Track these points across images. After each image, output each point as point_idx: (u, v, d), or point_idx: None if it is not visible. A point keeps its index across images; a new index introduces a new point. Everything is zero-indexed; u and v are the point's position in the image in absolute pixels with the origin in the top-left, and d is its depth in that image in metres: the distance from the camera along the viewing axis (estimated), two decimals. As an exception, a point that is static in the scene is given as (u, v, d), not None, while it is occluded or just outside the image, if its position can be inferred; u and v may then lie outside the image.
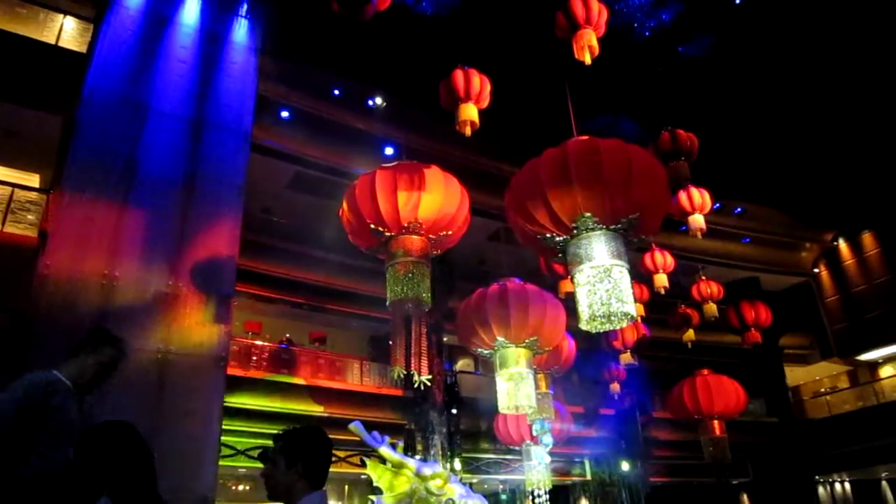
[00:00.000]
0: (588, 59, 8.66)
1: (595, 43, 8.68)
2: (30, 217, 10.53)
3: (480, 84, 9.09)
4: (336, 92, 15.18)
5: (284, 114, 14.77)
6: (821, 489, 22.63)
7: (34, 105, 11.11)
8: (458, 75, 9.03)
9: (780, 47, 15.86)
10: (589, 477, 19.57)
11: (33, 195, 10.80)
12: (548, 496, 15.27)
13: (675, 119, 11.93)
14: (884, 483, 23.67)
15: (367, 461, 5.13)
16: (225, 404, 9.70)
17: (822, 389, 25.14)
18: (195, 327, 9.51)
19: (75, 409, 3.64)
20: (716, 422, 14.32)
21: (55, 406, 3.50)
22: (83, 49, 11.46)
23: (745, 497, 22.03)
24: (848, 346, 23.61)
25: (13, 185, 10.92)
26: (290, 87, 14.70)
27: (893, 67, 15.84)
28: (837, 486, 23.54)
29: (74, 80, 10.26)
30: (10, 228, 10.30)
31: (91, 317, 8.74)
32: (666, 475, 20.70)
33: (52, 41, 11.84)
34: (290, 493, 2.56)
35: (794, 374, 24.42)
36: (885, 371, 24.10)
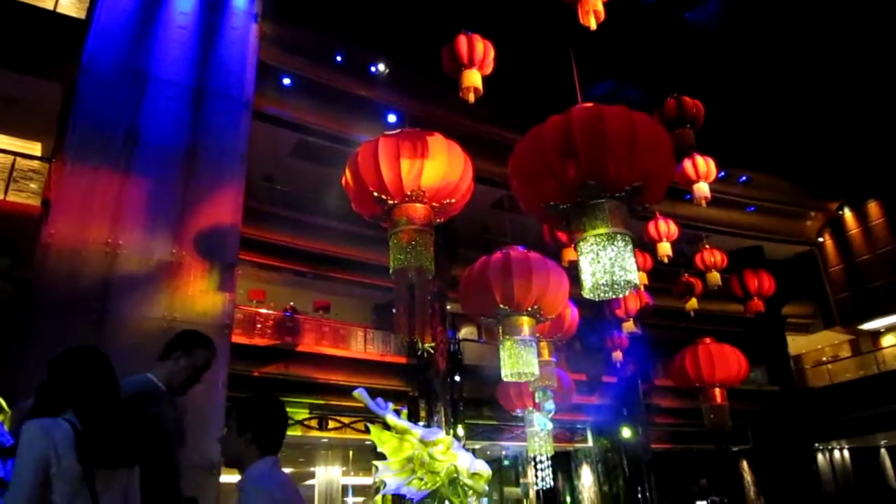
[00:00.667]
0: (593, 25, 8.50)
1: (601, 7, 8.50)
2: (32, 186, 10.52)
3: (484, 50, 8.96)
4: (338, 58, 15.02)
5: (286, 81, 14.63)
6: (820, 456, 22.87)
7: (33, 72, 11.02)
8: (462, 41, 8.90)
9: (787, 13, 15.59)
10: (590, 444, 19.80)
11: (35, 164, 10.78)
12: (549, 462, 15.48)
13: (680, 86, 11.78)
14: (882, 451, 23.90)
15: (371, 427, 5.18)
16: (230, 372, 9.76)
17: (824, 358, 25.26)
18: (199, 295, 9.55)
19: (171, 414, 3.65)
20: (717, 390, 14.40)
21: (155, 413, 3.50)
22: (82, 15, 11.32)
23: (744, 464, 22.28)
24: (850, 315, 23.64)
25: (15, 154, 10.89)
26: (291, 54, 14.54)
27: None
28: (836, 453, 23.79)
29: (73, 46, 10.15)
30: (12, 197, 10.30)
31: (95, 285, 8.79)
32: (667, 442, 20.92)
33: (49, 7, 11.68)
34: (242, 459, 2.62)
35: (796, 343, 24.51)
36: (886, 340, 24.16)
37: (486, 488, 4.86)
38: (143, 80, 10.09)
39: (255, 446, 2.61)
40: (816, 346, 25.76)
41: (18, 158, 10.74)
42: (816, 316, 24.76)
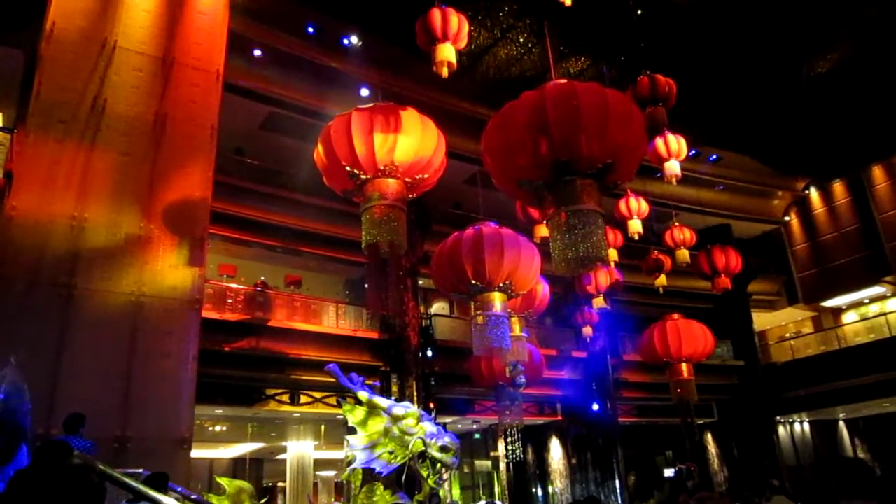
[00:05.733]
0: (568, 1, 8.50)
1: (575, -16, 8.50)
2: (-6, 157, 10.23)
3: (458, 24, 8.89)
4: (310, 30, 14.77)
5: (257, 52, 14.37)
6: (781, 429, 23.52)
7: (-7, 39, 10.67)
8: (436, 14, 8.81)
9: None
10: (560, 417, 20.11)
11: (-3, 134, 10.47)
12: (520, 436, 15.68)
13: (654, 64, 11.82)
14: (841, 423, 24.66)
15: (343, 403, 5.21)
16: (201, 347, 9.70)
17: (787, 334, 25.86)
18: (169, 270, 9.44)
19: None
20: (684, 365, 14.72)
21: None
22: (44, -20, 10.95)
23: (709, 436, 22.85)
24: (814, 292, 24.21)
25: (-25, 124, 10.58)
26: (262, 25, 14.26)
27: (866, 18, 15.78)
28: (797, 426, 24.48)
29: (36, 13, 9.84)
30: (-27, 168, 10.01)
31: (62, 259, 8.64)
32: (635, 415, 21.34)
33: (10, -29, 11.29)
34: None
35: (761, 320, 25.05)
36: (847, 317, 24.82)
37: (456, 461, 4.92)
38: (110, 50, 9.84)
39: None
40: (780, 323, 26.37)
41: (-21, 128, 10.43)
42: (781, 293, 25.30)
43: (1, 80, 11.09)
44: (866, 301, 24.27)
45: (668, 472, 21.87)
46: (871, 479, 2.49)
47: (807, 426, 24.72)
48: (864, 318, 23.75)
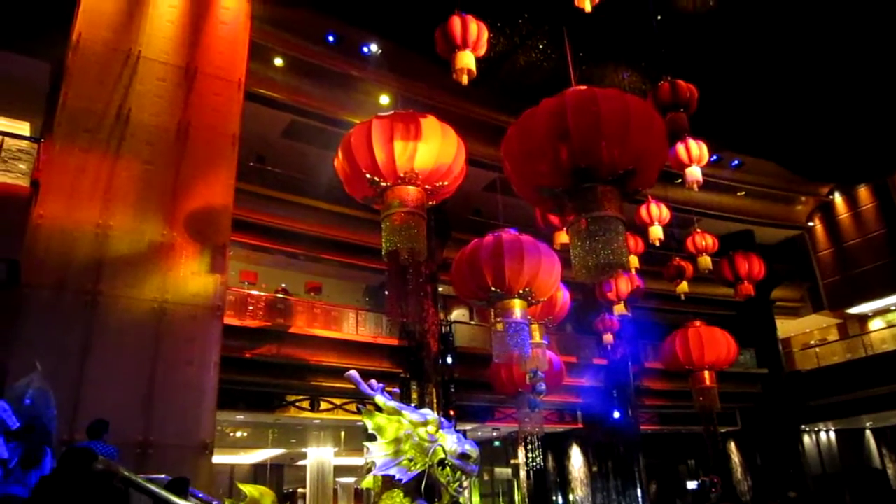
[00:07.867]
0: (588, 7, 8.47)
1: (595, -10, 8.47)
2: (21, 166, 10.40)
3: (478, 31, 8.91)
4: (330, 38, 14.89)
5: (278, 61, 14.51)
6: (806, 438, 23.15)
7: (20, 50, 10.86)
8: (455, 22, 8.85)
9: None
10: (581, 425, 19.97)
11: (24, 144, 10.64)
12: (540, 443, 15.62)
13: (675, 69, 11.74)
14: (868, 432, 24.21)
15: (363, 409, 5.21)
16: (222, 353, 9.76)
17: (812, 342, 25.46)
18: (191, 277, 9.53)
19: None
20: (706, 372, 14.55)
21: None
22: (71, -8, 11.15)
23: (732, 445, 22.54)
24: (839, 299, 23.82)
25: (3, 134, 10.77)
26: (283, 33, 14.40)
27: (891, 19, 15.55)
28: (823, 435, 24.09)
29: (62, 25, 10.02)
30: (1, 178, 10.20)
31: (86, 266, 8.75)
32: (656, 423, 21.13)
33: (37, -17, 11.50)
34: None
35: (785, 327, 24.70)
36: (874, 324, 24.38)
37: (476, 469, 4.90)
38: (134, 60, 9.98)
39: None
40: (805, 330, 25.97)
41: (7, 138, 10.62)
42: (805, 300, 24.95)
43: (28, 91, 11.29)
44: (893, 308, 23.81)
45: (691, 485, 21.62)
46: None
47: (833, 435, 24.30)
48: (891, 325, 23.32)
